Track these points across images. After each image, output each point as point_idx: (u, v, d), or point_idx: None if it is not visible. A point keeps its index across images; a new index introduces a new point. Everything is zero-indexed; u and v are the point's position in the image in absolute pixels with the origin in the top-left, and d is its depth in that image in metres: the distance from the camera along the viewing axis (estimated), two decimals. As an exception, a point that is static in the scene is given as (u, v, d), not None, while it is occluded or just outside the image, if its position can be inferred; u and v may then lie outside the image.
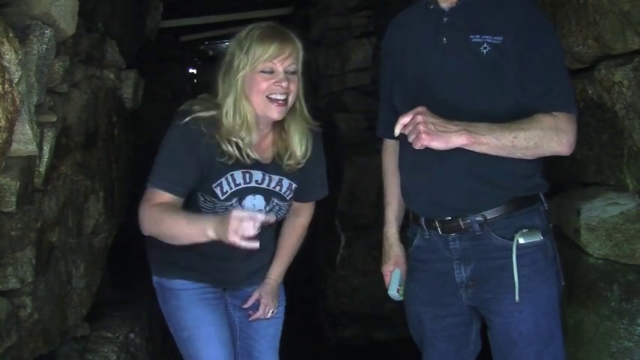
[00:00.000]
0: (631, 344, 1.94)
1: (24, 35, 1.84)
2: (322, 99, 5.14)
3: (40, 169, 2.09)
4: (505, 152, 1.73)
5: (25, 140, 1.78)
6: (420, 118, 1.68)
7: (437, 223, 1.87)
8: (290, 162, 2.01)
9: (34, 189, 2.09)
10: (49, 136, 2.12)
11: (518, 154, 1.73)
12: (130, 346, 3.03)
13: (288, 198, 2.08)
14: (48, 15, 1.93)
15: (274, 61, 1.87)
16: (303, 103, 2.00)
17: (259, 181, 1.98)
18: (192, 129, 1.89)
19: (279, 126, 2.00)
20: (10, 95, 1.55)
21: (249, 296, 2.24)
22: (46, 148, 2.11)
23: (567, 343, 2.17)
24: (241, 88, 1.89)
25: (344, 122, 4.63)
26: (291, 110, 1.97)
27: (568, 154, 1.77)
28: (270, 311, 2.23)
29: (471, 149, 1.71)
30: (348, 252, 4.33)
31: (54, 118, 2.13)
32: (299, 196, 2.14)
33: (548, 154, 1.77)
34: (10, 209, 1.89)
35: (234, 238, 1.64)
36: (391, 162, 2.08)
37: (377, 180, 4.17)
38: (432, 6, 1.86)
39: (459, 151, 1.73)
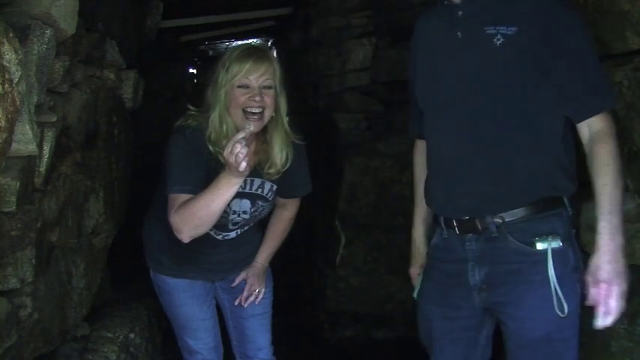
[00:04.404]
0: (631, 344, 1.94)
1: (24, 35, 1.83)
2: (322, 99, 5.13)
3: (40, 169, 2.09)
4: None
5: (25, 140, 1.78)
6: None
7: (454, 222, 1.84)
8: (271, 170, 2.20)
9: (34, 189, 2.09)
10: (49, 136, 2.12)
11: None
12: (130, 346, 3.03)
13: (270, 199, 2.29)
14: (48, 15, 1.92)
15: (249, 78, 2.07)
16: (284, 116, 2.18)
17: (243, 187, 2.09)
18: (192, 139, 2.09)
19: (261, 137, 2.17)
20: (10, 95, 1.55)
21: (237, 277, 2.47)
22: (46, 148, 2.11)
23: (567, 343, 2.17)
24: (223, 102, 2.09)
25: (344, 122, 4.61)
26: (273, 122, 2.16)
27: None
28: (256, 291, 2.45)
29: None
30: (348, 252, 4.32)
31: (54, 118, 2.13)
32: (282, 193, 2.33)
33: None
34: (10, 209, 1.89)
35: (232, 159, 1.81)
36: (420, 162, 2.04)
37: (377, 180, 4.24)
38: (446, 1, 1.82)
39: (477, 151, 1.72)
